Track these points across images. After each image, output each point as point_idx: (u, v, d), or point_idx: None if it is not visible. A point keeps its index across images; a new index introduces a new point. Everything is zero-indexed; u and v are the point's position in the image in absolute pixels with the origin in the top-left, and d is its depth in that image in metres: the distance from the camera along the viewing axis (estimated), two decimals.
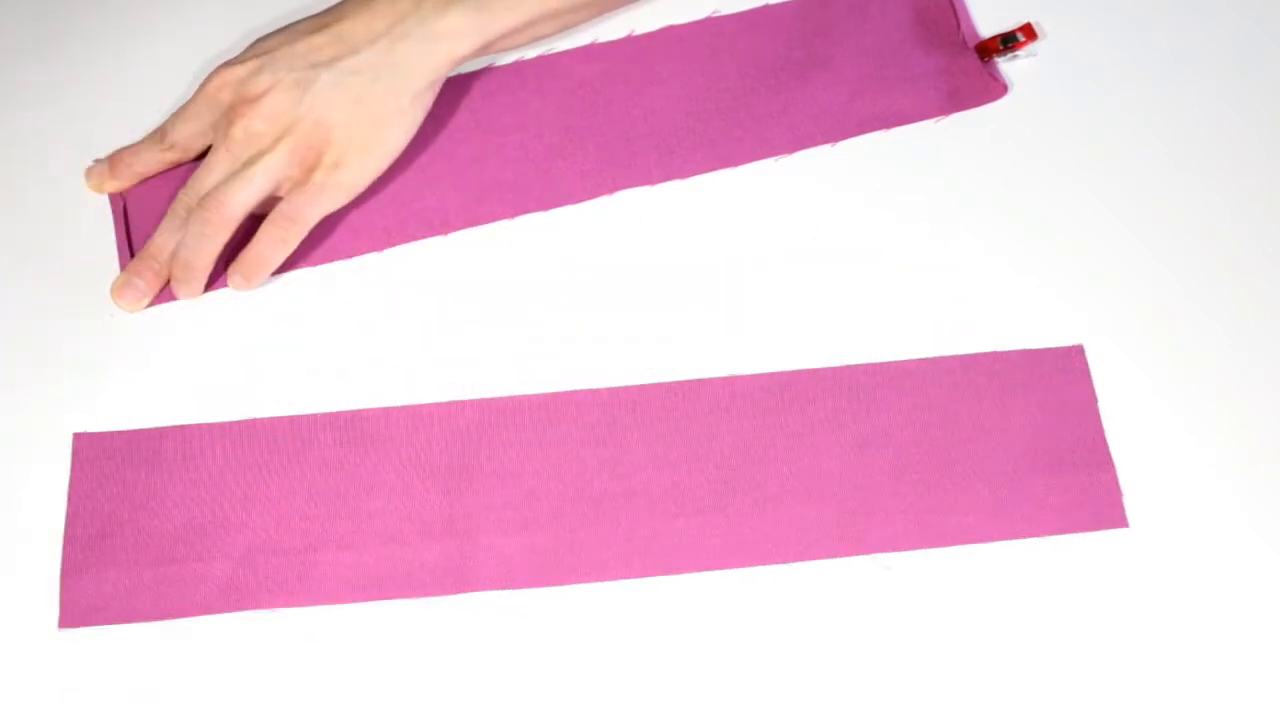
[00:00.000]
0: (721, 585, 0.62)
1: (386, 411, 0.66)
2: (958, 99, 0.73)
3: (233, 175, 0.67)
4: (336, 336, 0.68)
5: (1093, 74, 0.73)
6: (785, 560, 0.62)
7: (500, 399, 0.66)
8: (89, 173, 0.72)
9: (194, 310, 0.69)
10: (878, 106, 0.73)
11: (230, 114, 0.68)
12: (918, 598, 0.61)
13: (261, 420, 0.66)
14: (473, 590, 0.62)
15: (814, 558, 0.62)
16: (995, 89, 0.73)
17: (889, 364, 0.66)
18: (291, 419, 0.66)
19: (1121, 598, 0.61)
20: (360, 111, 0.67)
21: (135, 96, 0.74)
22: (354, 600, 0.62)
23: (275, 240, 0.68)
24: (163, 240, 0.68)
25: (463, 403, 0.66)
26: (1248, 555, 0.62)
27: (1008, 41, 0.73)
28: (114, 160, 0.71)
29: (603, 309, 0.68)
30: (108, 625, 0.61)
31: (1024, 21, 0.74)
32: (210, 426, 0.65)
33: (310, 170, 0.68)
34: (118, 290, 0.68)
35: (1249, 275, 0.68)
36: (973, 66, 0.73)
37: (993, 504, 0.63)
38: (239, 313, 0.69)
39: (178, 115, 0.70)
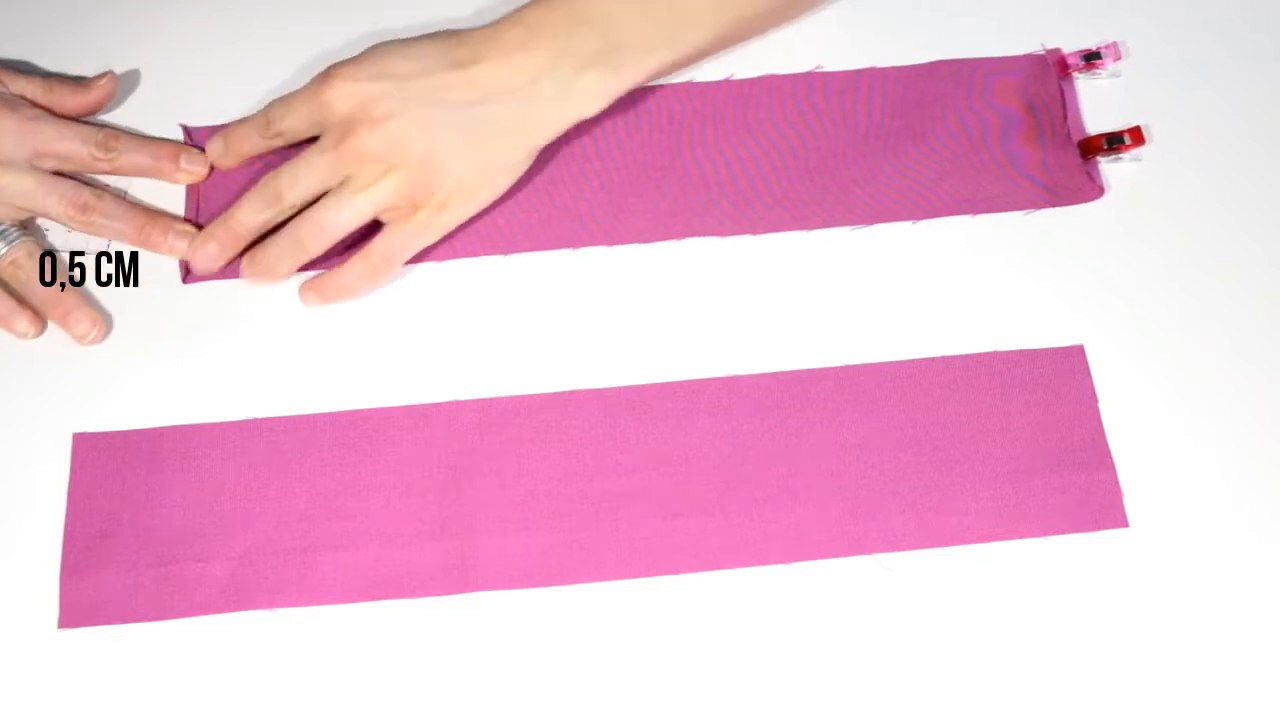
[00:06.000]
0: (721, 585, 0.62)
1: (386, 411, 0.66)
2: (1052, 195, 0.70)
3: (338, 198, 0.66)
4: (337, 337, 0.68)
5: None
6: (785, 560, 0.62)
7: (500, 399, 0.66)
8: (211, 144, 0.70)
9: (194, 311, 0.69)
10: (967, 190, 0.70)
11: (348, 124, 0.66)
12: (918, 598, 0.61)
13: (261, 420, 0.65)
14: (472, 590, 0.62)
15: (814, 558, 0.62)
16: (1091, 190, 0.70)
17: (889, 364, 0.66)
18: (291, 419, 0.66)
19: (1121, 598, 0.61)
20: (477, 159, 0.66)
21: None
22: (354, 600, 0.62)
23: (365, 275, 0.67)
24: (243, 215, 0.67)
25: (463, 403, 0.66)
26: (1248, 555, 0.62)
27: (1113, 142, 0.70)
28: (225, 138, 0.70)
29: (603, 309, 0.68)
30: (107, 625, 0.61)
31: (1135, 124, 0.71)
32: (210, 426, 0.65)
33: (415, 208, 0.67)
34: (191, 254, 0.68)
35: (1249, 275, 0.68)
36: (1072, 163, 0.70)
37: (993, 504, 0.63)
38: (239, 313, 0.68)
39: (285, 107, 0.68)
